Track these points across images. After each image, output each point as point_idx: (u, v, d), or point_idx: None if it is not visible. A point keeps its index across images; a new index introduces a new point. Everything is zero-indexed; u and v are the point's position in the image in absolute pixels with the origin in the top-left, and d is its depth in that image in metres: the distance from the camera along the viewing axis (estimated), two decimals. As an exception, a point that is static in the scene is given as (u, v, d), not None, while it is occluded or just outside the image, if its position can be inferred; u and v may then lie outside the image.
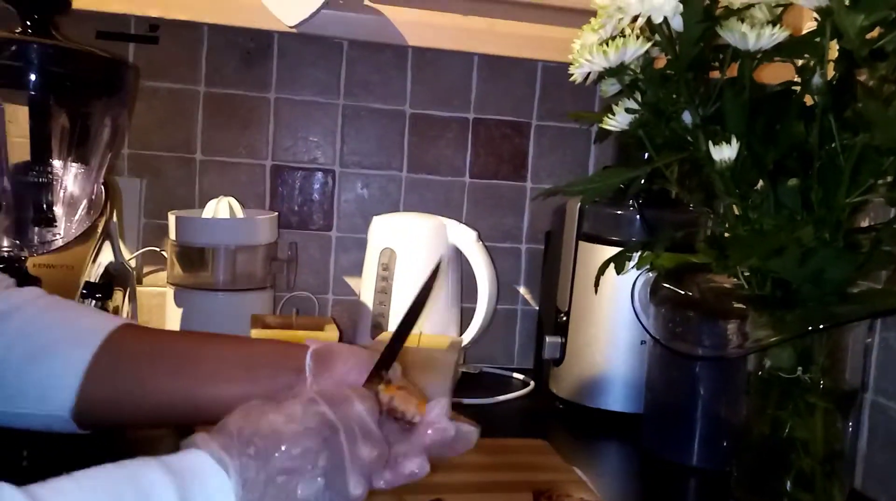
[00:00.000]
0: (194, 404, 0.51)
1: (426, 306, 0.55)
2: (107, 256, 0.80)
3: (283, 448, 0.41)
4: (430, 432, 0.49)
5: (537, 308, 1.17)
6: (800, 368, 0.64)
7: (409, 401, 0.51)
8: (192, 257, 1.00)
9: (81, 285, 0.72)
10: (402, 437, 0.49)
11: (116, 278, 0.80)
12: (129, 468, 0.38)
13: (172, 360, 0.53)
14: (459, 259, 1.05)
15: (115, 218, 0.84)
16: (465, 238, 1.03)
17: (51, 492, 0.34)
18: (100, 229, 0.78)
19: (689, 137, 0.65)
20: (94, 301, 0.73)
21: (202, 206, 1.03)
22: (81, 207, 0.77)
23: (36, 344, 0.50)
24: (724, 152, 0.59)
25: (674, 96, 0.64)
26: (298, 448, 0.41)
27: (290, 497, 0.41)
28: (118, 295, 0.79)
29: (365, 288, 1.04)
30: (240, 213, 1.02)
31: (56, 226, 0.74)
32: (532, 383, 1.05)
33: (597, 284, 0.78)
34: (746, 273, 0.66)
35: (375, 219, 1.04)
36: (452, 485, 0.66)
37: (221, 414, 0.49)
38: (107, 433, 0.55)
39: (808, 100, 0.62)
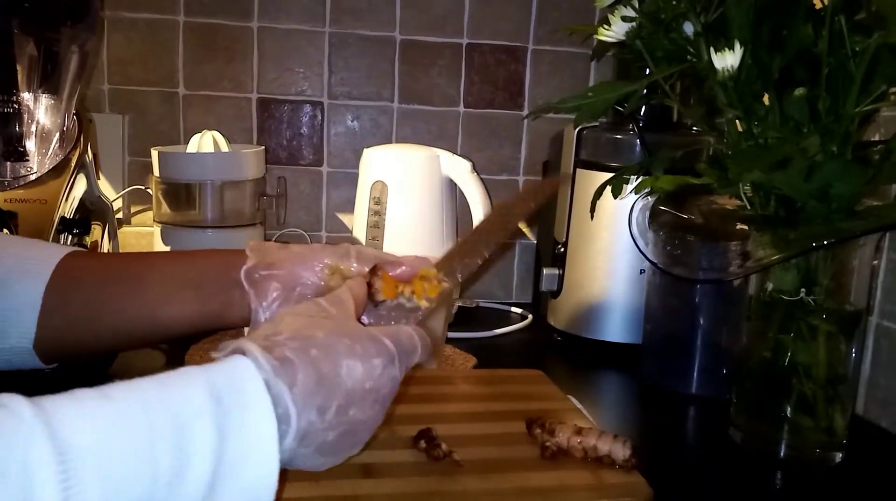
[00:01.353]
0: (151, 325, 0.50)
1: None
2: (81, 190, 0.77)
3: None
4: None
5: (535, 242, 1.14)
6: (803, 290, 0.62)
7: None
8: (179, 194, 0.98)
9: (56, 219, 0.70)
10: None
11: (94, 212, 0.78)
12: (169, 388, 0.33)
13: (122, 284, 0.51)
14: (454, 192, 1.02)
15: (89, 152, 0.80)
16: (460, 169, 1.00)
17: (70, 417, 0.30)
18: (73, 163, 0.75)
19: (689, 48, 0.61)
20: (70, 236, 0.71)
21: (187, 142, 1.00)
22: (54, 140, 0.74)
23: None
24: (728, 60, 0.55)
25: (673, 2, 0.60)
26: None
27: (338, 454, 0.40)
28: (97, 230, 0.77)
29: (357, 223, 1.02)
30: (225, 147, 0.99)
31: (28, 159, 0.71)
32: (530, 316, 1.04)
33: (593, 209, 0.75)
34: (749, 193, 0.63)
35: (366, 151, 1.01)
36: (444, 415, 0.65)
37: (180, 333, 0.49)
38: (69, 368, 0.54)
39: (817, 2, 0.57)
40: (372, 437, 0.44)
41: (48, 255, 0.51)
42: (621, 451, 0.57)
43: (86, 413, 0.30)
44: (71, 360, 0.53)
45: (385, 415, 0.43)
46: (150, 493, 0.31)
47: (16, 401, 0.29)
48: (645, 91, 0.70)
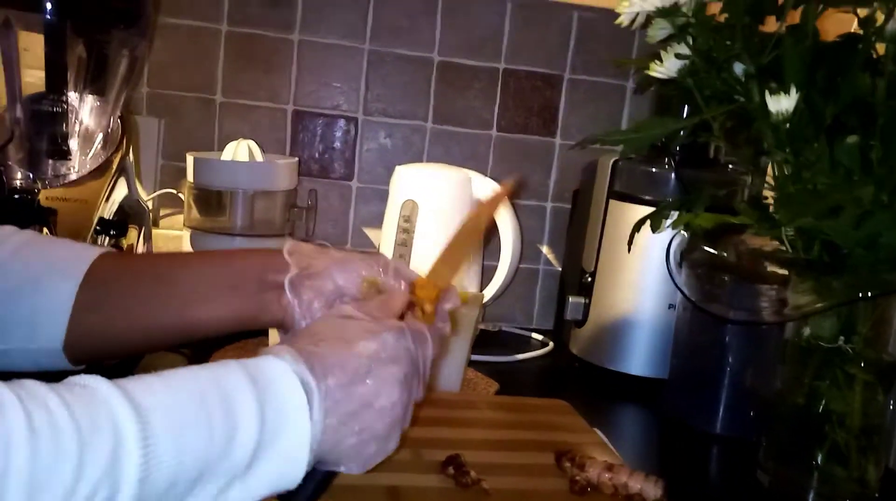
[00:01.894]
0: (183, 326, 0.50)
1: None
2: (121, 193, 0.77)
3: (370, 382, 0.41)
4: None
5: (559, 269, 1.13)
6: (841, 337, 0.61)
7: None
8: (210, 200, 0.98)
9: (95, 220, 0.70)
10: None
11: (131, 216, 0.78)
12: (215, 371, 0.38)
13: (156, 284, 0.51)
14: (483, 214, 1.02)
15: (131, 155, 0.81)
16: (490, 192, 0.99)
17: (140, 388, 0.34)
18: (115, 165, 0.75)
19: (740, 88, 0.61)
20: (107, 238, 0.71)
21: (221, 149, 1.00)
22: (97, 141, 0.74)
23: (18, 279, 0.49)
24: (783, 104, 0.55)
25: (727, 43, 0.59)
26: (385, 386, 0.42)
27: (365, 433, 0.41)
28: (133, 233, 0.77)
29: (385, 240, 1.01)
30: (259, 157, 0.99)
31: (70, 159, 0.71)
32: (551, 343, 1.03)
33: (630, 241, 0.74)
34: (791, 236, 0.62)
35: (398, 169, 1.01)
36: (471, 441, 0.64)
37: (211, 333, 0.50)
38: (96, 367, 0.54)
39: (875, 53, 0.57)
40: (403, 437, 0.44)
41: (81, 256, 0.51)
42: (653, 490, 0.56)
43: (148, 385, 0.35)
44: (99, 360, 0.53)
45: (409, 398, 0.44)
46: (207, 451, 0.35)
47: (92, 379, 0.34)
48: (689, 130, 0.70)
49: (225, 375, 0.37)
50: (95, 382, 0.34)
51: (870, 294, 0.56)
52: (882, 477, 0.64)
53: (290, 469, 0.38)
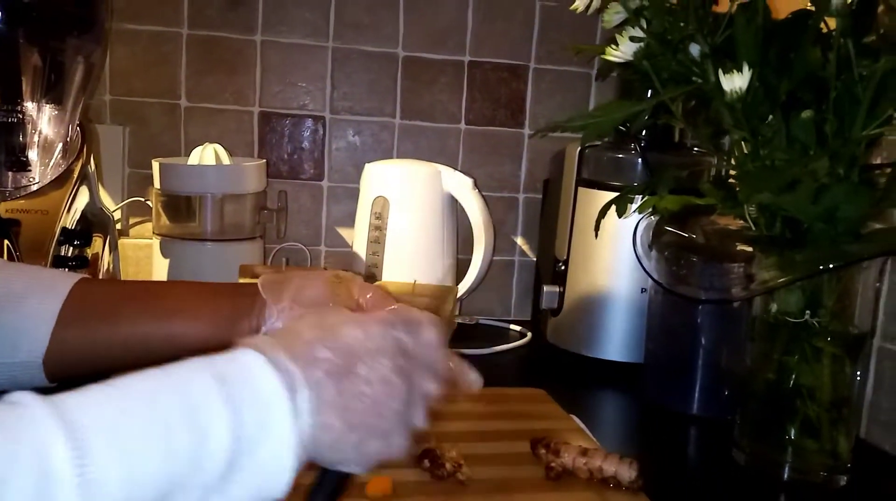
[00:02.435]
0: (167, 339, 0.50)
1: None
2: (84, 202, 0.76)
3: (361, 371, 0.37)
4: None
5: (535, 259, 1.14)
6: (808, 311, 0.62)
7: None
8: (179, 206, 0.97)
9: (58, 231, 0.69)
10: None
11: (95, 224, 0.77)
12: (174, 375, 0.34)
13: (139, 301, 0.52)
14: (455, 207, 1.02)
15: (92, 163, 0.80)
16: (461, 186, 0.99)
17: (79, 404, 0.31)
18: (76, 174, 0.74)
19: (696, 69, 0.61)
20: (71, 248, 0.70)
21: (188, 155, 0.99)
22: (56, 150, 0.74)
23: (1, 294, 0.49)
24: (736, 82, 0.55)
25: (681, 24, 0.60)
26: (377, 375, 0.38)
27: (365, 429, 0.37)
28: (97, 242, 0.76)
29: (358, 239, 1.01)
30: (226, 160, 0.98)
31: (30, 170, 0.70)
32: (529, 334, 1.03)
33: (597, 227, 0.75)
34: (754, 214, 0.63)
35: (368, 166, 1.01)
36: (447, 434, 0.64)
37: (198, 348, 0.47)
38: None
39: (825, 27, 0.58)
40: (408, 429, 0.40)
41: (63, 276, 0.52)
42: (627, 472, 0.57)
43: (90, 399, 0.31)
44: (77, 376, 0.53)
45: (411, 390, 0.39)
46: (169, 468, 0.31)
47: (24, 396, 0.30)
48: (650, 112, 0.70)
49: (186, 377, 0.34)
50: (27, 399, 0.30)
51: (831, 266, 0.57)
52: (853, 448, 0.65)
53: (276, 475, 0.34)
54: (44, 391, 0.33)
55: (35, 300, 0.49)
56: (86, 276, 0.53)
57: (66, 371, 0.50)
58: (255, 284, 0.53)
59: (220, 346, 0.44)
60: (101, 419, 0.30)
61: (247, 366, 0.35)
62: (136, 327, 0.50)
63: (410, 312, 0.43)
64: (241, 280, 0.83)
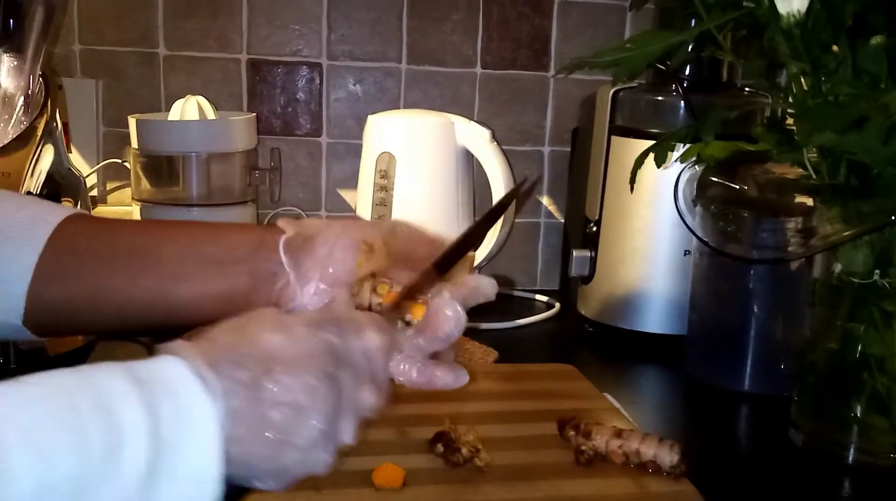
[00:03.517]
0: (164, 305, 0.49)
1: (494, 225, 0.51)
2: (49, 161, 0.76)
3: (279, 378, 0.38)
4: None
5: (563, 221, 1.12)
6: (877, 271, 0.61)
7: (392, 298, 0.48)
8: (160, 168, 0.97)
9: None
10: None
11: (63, 187, 0.77)
12: (86, 374, 0.34)
13: (133, 259, 0.50)
14: (471, 163, 1.01)
15: (58, 118, 0.79)
16: (477, 138, 0.98)
17: None
18: (40, 131, 0.74)
19: (746, -9, 0.59)
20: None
21: (169, 109, 0.99)
22: (17, 105, 0.73)
23: None
24: (794, 4, 0.53)
25: (728, -62, 0.58)
26: (298, 382, 0.38)
27: (282, 440, 0.38)
28: (68, 207, 0.76)
29: (361, 201, 1.01)
30: (211, 114, 0.97)
31: (-11, 127, 0.70)
32: (557, 304, 1.02)
33: (633, 181, 0.73)
34: (815, 159, 0.61)
35: (371, 118, 0.99)
36: (464, 415, 0.64)
37: (198, 315, 0.47)
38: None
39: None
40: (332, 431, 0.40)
41: (43, 217, 0.49)
42: (668, 456, 0.56)
43: (3, 394, 0.32)
44: (68, 334, 0.52)
45: (340, 399, 0.40)
46: (86, 469, 0.32)
47: None
48: (692, 44, 0.68)
49: (102, 379, 0.34)
50: None
51: (905, 218, 0.55)
52: (929, 426, 0.63)
53: (201, 484, 0.35)
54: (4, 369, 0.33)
55: (6, 254, 0.47)
56: (74, 211, 0.51)
57: (53, 329, 0.50)
58: (274, 240, 0.50)
59: (226, 314, 0.43)
60: (15, 416, 0.31)
61: (165, 370, 0.36)
62: (128, 292, 0.49)
63: (350, 313, 0.43)
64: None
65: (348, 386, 0.40)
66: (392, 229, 0.51)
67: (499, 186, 0.98)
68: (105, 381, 0.34)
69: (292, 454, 0.38)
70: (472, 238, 0.50)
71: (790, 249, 0.68)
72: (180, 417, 0.35)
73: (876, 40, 0.54)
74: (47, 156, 0.75)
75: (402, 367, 0.47)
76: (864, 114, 0.52)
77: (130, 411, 0.33)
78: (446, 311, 0.46)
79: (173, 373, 0.36)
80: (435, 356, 0.48)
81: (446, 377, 0.47)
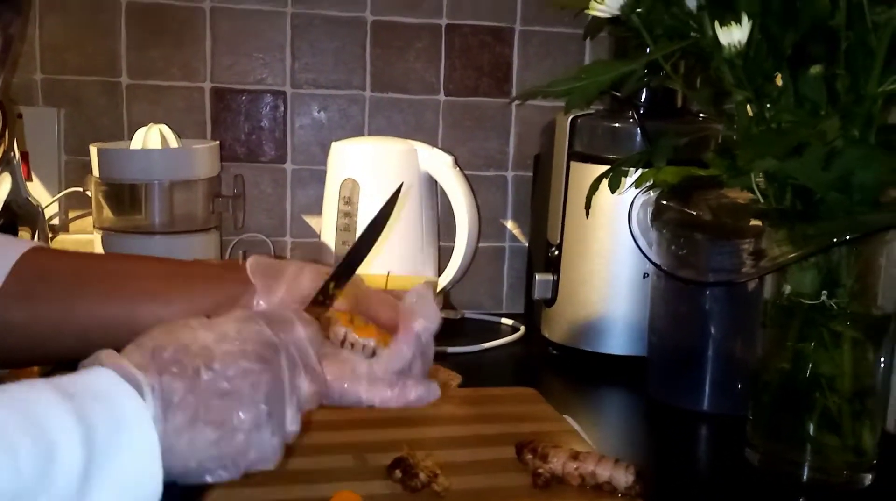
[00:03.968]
0: (128, 327, 0.49)
1: (383, 235, 0.53)
2: (5, 191, 0.76)
3: (216, 366, 0.39)
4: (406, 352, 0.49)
5: (527, 245, 1.13)
6: (824, 292, 0.62)
7: (368, 332, 0.50)
8: (122, 196, 0.96)
9: (-21, 225, 0.69)
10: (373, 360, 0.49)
11: (21, 217, 0.76)
12: (11, 392, 0.34)
13: (100, 281, 0.51)
14: (435, 189, 1.02)
15: (16, 148, 0.79)
16: (440, 164, 0.99)
17: None
18: (-1, 160, 0.74)
19: (692, 23, 0.61)
20: (-6, 244, 0.69)
21: (131, 138, 0.98)
22: (-25, 134, 0.73)
23: None
24: (734, 35, 0.55)
25: (673, -28, 0.59)
26: (235, 368, 0.39)
27: (226, 424, 0.39)
28: (24, 237, 0.76)
29: (326, 227, 1.01)
30: (174, 142, 0.98)
31: (-55, 157, 0.69)
32: (522, 328, 1.03)
33: (588, 206, 0.75)
34: (762, 184, 0.63)
35: (335, 145, 1.00)
36: (424, 441, 0.64)
37: None
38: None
39: (834, -30, 0.57)
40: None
41: (8, 246, 0.50)
42: (623, 477, 0.57)
43: None
44: (29, 364, 0.52)
45: (277, 386, 0.41)
46: (16, 485, 0.31)
47: None
48: (645, 72, 0.69)
49: (27, 393, 0.34)
50: None
51: (847, 239, 0.57)
52: (879, 443, 0.65)
53: (142, 484, 0.36)
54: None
55: None
56: (38, 244, 0.52)
57: (15, 358, 0.50)
58: (241, 266, 0.52)
59: None
60: None
61: (92, 379, 0.36)
62: (95, 314, 0.50)
63: (280, 311, 0.45)
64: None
65: (286, 373, 0.41)
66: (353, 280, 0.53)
67: (462, 212, 0.99)
68: (32, 396, 0.34)
69: (237, 438, 0.39)
70: (361, 249, 0.52)
71: (743, 271, 0.69)
72: (113, 422, 0.35)
73: (815, 70, 0.56)
74: (4, 185, 0.75)
75: (373, 389, 0.48)
76: (803, 140, 0.54)
77: (61, 423, 0.34)
78: (417, 304, 0.49)
79: (101, 380, 0.36)
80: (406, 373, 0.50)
81: (418, 390, 0.49)
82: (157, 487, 0.36)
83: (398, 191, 0.53)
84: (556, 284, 0.94)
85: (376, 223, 0.52)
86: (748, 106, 0.60)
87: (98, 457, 0.34)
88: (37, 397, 0.34)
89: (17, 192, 0.77)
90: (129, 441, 0.35)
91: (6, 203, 0.75)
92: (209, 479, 0.39)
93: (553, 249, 0.94)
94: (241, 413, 0.39)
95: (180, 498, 0.39)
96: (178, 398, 0.37)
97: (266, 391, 0.40)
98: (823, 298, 0.62)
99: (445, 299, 1.07)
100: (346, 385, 0.48)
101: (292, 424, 0.41)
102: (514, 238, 1.15)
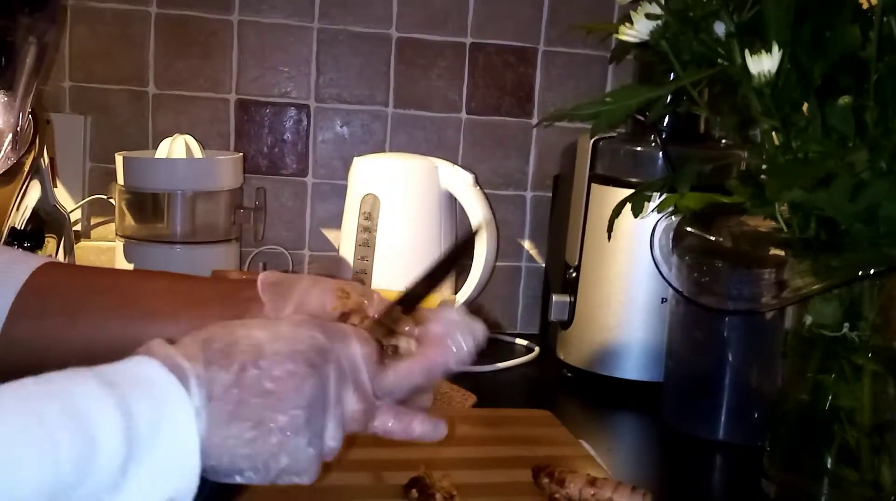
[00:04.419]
0: (136, 345, 0.49)
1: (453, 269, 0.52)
2: (35, 198, 0.76)
3: (262, 364, 0.38)
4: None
5: (544, 265, 1.13)
6: (846, 324, 0.62)
7: None
8: (145, 204, 0.97)
9: (6, 231, 0.69)
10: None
11: (48, 223, 0.77)
12: (52, 382, 0.34)
13: (107, 297, 0.51)
14: (454, 207, 1.02)
15: (46, 156, 0.80)
16: (460, 182, 0.99)
17: None
18: (27, 168, 0.74)
19: (721, 50, 0.61)
20: (20, 250, 0.70)
21: (156, 147, 0.99)
22: (6, 141, 0.74)
23: None
24: (764, 64, 0.55)
25: (704, 0, 0.60)
26: (281, 368, 0.39)
27: (263, 424, 0.38)
28: (51, 244, 0.77)
29: (345, 241, 1.01)
30: (198, 153, 0.98)
31: (-25, 162, 0.70)
32: (537, 349, 1.03)
33: (610, 229, 0.74)
34: (786, 213, 0.63)
35: (356, 160, 1.01)
36: (440, 460, 0.63)
37: None
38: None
39: (865, 2, 0.57)
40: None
41: (21, 261, 0.50)
42: (640, 505, 0.56)
43: None
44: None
45: (325, 397, 0.40)
46: (57, 477, 0.32)
47: None
48: (670, 98, 0.70)
49: (69, 383, 0.34)
50: None
51: (872, 272, 0.56)
52: (899, 479, 0.64)
53: (180, 477, 0.35)
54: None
55: None
56: (49, 260, 0.52)
57: (21, 369, 0.50)
58: (251, 282, 0.52)
59: None
60: None
61: (135, 369, 0.36)
62: (101, 330, 0.50)
63: (339, 324, 0.44)
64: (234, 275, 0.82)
65: (332, 384, 0.40)
66: (365, 290, 0.52)
67: (481, 229, 0.99)
68: (73, 386, 0.34)
69: (271, 439, 0.38)
70: (435, 277, 0.51)
71: (763, 300, 0.69)
72: (155, 414, 0.35)
73: (844, 100, 0.56)
74: (33, 192, 0.76)
75: (380, 416, 0.46)
76: (831, 171, 0.54)
77: (102, 413, 0.34)
78: (423, 427, 0.46)
79: (147, 370, 0.36)
80: (410, 403, 0.48)
81: (424, 426, 0.47)
82: (193, 481, 0.36)
83: (478, 229, 0.52)
84: (573, 306, 0.94)
85: (455, 254, 0.51)
86: (774, 134, 0.60)
87: (137, 449, 0.34)
88: (79, 388, 0.34)
89: (45, 199, 0.78)
90: (169, 434, 0.35)
91: (34, 210, 0.75)
92: (238, 479, 0.39)
93: (571, 270, 0.94)
94: (279, 415, 0.38)
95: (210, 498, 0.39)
96: (220, 391, 0.37)
97: (309, 397, 0.39)
98: (845, 330, 0.61)
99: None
100: None
101: (332, 439, 0.40)
102: (530, 258, 1.15)
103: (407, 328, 0.48)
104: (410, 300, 0.49)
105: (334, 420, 0.40)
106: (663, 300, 0.86)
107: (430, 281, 0.50)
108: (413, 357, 0.48)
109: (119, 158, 0.97)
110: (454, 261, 0.50)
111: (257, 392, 0.38)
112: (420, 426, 0.47)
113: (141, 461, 0.34)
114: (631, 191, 0.75)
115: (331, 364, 0.41)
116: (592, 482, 0.58)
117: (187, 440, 0.36)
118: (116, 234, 0.99)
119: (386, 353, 0.47)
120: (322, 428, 0.40)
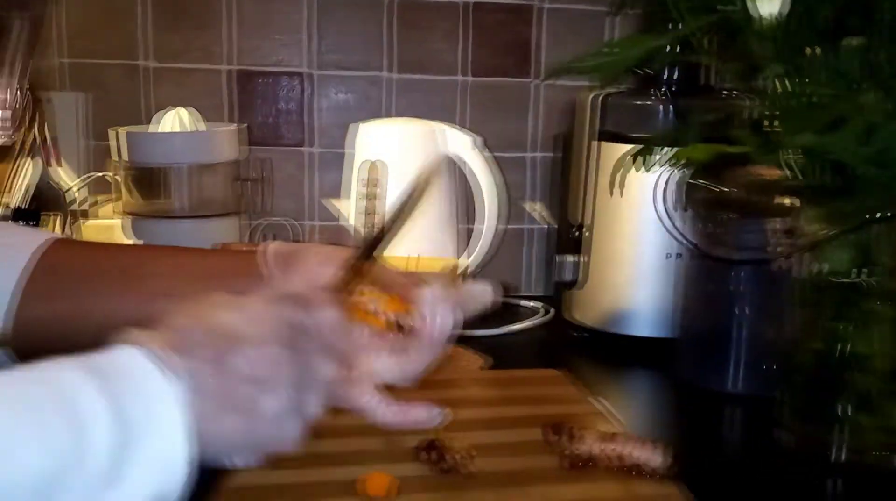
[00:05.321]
0: (146, 323, 0.49)
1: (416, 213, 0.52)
2: (32, 176, 0.76)
3: (243, 351, 0.38)
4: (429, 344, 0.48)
5: (549, 227, 1.12)
6: (860, 270, 0.61)
7: (391, 304, 0.49)
8: (146, 180, 0.97)
9: (3, 209, 0.69)
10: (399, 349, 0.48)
11: (47, 202, 0.77)
12: (41, 371, 0.35)
13: (117, 276, 0.51)
14: (457, 171, 1.01)
15: (46, 133, 0.79)
16: (463, 145, 0.98)
17: None
18: (25, 145, 0.74)
19: (724, -5, 0.59)
20: (22, 228, 0.70)
21: (155, 122, 0.99)
22: (0, 120, 0.73)
23: None
24: (769, 6, 0.54)
25: (704, -57, 0.58)
26: (263, 354, 0.39)
27: (253, 412, 0.38)
28: (51, 222, 0.76)
29: (349, 210, 1.01)
30: (197, 125, 0.97)
31: (-29, 142, 0.70)
32: (549, 310, 1.02)
33: (614, 184, 0.73)
34: (796, 160, 0.62)
35: (356, 127, 1.00)
36: (453, 423, 0.63)
37: None
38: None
39: (873, -62, 0.56)
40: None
41: (27, 241, 0.50)
42: (660, 459, 0.56)
43: None
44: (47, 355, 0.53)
45: (303, 371, 0.40)
46: (48, 465, 0.32)
47: None
48: (675, 49, 0.68)
49: (60, 374, 0.35)
50: None
51: (885, 215, 0.55)
52: (915, 423, 0.64)
53: (171, 467, 0.36)
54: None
55: None
56: (56, 236, 0.52)
57: (34, 348, 0.50)
58: (260, 254, 0.52)
59: None
60: None
61: (122, 358, 0.37)
62: (111, 309, 0.50)
63: (308, 293, 0.44)
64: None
65: (310, 358, 0.41)
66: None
67: (485, 191, 0.98)
68: (62, 375, 0.35)
69: (263, 426, 0.39)
70: (388, 229, 0.50)
71: (776, 248, 0.68)
72: (142, 403, 0.35)
73: (852, 41, 0.55)
74: (31, 170, 0.75)
75: (375, 403, 0.47)
76: (842, 115, 0.53)
77: (91, 401, 0.34)
78: (435, 312, 0.47)
79: (130, 360, 0.37)
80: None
81: (420, 412, 0.48)
82: (185, 468, 0.36)
83: (431, 168, 0.52)
84: (580, 265, 0.93)
85: (405, 203, 0.51)
86: (781, 80, 0.59)
87: (128, 438, 0.34)
88: (67, 376, 0.34)
89: (43, 179, 0.78)
90: (158, 422, 0.35)
91: (31, 189, 0.75)
92: (230, 464, 0.40)
93: (574, 230, 0.94)
94: (267, 401, 0.39)
95: (207, 477, 0.39)
96: (204, 384, 0.37)
97: (293, 377, 0.40)
98: (860, 276, 0.61)
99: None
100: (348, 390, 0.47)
101: (314, 407, 0.41)
102: (535, 220, 1.14)
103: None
104: (370, 249, 0.49)
105: (314, 391, 0.41)
106: (668, 256, 0.86)
107: (389, 226, 0.50)
108: (411, 356, 0.49)
109: (115, 134, 0.96)
110: (413, 204, 0.50)
111: (242, 380, 0.38)
112: (415, 413, 0.48)
113: (132, 450, 0.34)
114: (636, 146, 0.74)
115: (306, 340, 0.41)
116: (611, 437, 0.58)
117: (176, 429, 0.36)
118: (117, 211, 0.99)
119: (396, 334, 0.49)
120: (306, 402, 0.40)
